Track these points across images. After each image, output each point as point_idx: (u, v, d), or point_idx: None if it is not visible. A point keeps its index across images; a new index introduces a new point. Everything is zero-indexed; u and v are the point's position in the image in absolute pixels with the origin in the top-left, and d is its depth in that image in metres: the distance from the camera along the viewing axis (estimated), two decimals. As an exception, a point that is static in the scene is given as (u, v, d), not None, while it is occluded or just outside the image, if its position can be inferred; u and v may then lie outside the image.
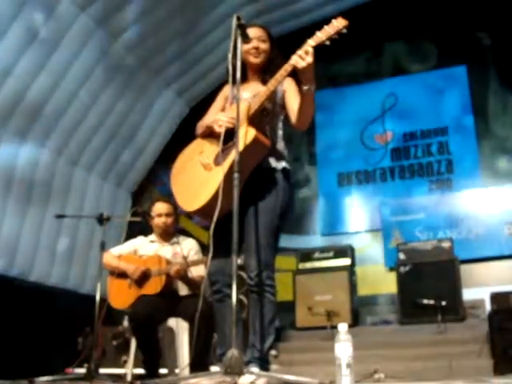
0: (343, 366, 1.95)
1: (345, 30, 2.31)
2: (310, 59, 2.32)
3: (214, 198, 2.37)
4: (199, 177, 2.57)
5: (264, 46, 2.69)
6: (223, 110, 2.74)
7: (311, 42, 2.34)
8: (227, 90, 2.78)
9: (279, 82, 2.45)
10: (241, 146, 2.39)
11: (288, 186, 2.64)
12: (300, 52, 2.33)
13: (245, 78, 2.57)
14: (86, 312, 4.21)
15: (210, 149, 2.61)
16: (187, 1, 6.10)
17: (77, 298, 6.23)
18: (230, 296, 2.32)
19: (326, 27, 2.34)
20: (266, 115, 2.59)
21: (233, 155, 2.36)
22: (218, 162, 2.51)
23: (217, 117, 2.58)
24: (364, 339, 4.99)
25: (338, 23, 2.32)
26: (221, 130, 2.48)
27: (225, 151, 2.47)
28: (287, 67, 2.39)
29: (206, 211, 2.44)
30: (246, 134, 2.44)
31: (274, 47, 2.75)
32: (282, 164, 2.63)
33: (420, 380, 3.73)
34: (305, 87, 2.40)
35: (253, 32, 2.60)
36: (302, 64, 2.32)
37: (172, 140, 7.43)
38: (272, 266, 2.54)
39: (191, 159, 2.67)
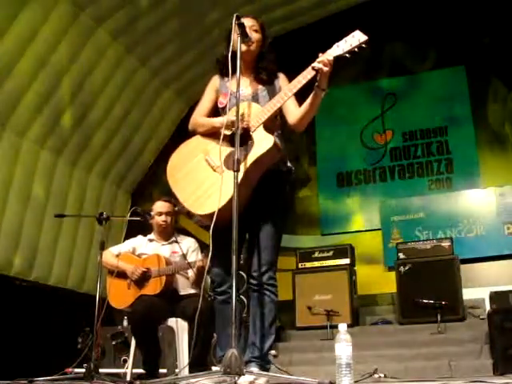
0: (343, 365, 1.95)
1: (364, 45, 2.34)
2: (327, 69, 2.36)
3: (230, 202, 2.31)
4: (208, 178, 2.50)
5: (256, 35, 2.65)
6: (216, 103, 2.71)
7: (333, 54, 2.37)
8: (216, 82, 2.76)
9: (298, 88, 2.43)
10: (260, 151, 2.40)
11: (291, 187, 2.65)
12: (323, 58, 2.36)
13: (234, 71, 2.48)
14: (85, 311, 4.20)
15: (217, 149, 2.50)
16: (186, 1, 6.09)
17: (76, 297, 6.23)
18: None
19: (346, 40, 2.37)
20: (275, 119, 2.58)
21: (248, 159, 2.37)
22: (229, 164, 2.44)
23: (231, 119, 2.46)
24: (364, 339, 5.00)
25: (359, 38, 2.34)
26: (229, 132, 2.45)
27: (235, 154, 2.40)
28: (306, 75, 2.40)
29: (218, 216, 2.34)
30: (265, 140, 2.42)
31: (267, 42, 2.72)
32: (287, 165, 2.63)
33: (420, 380, 3.73)
34: (321, 92, 2.42)
35: (245, 21, 2.56)
36: (326, 69, 2.35)
37: (171, 140, 7.44)
38: (274, 266, 2.55)
39: (193, 157, 2.61)
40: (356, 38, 2.35)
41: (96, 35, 5.87)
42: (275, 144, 2.43)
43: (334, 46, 2.39)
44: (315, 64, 2.37)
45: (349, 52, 2.36)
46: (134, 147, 7.11)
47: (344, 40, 2.38)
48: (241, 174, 2.35)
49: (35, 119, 5.63)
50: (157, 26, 6.21)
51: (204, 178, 2.52)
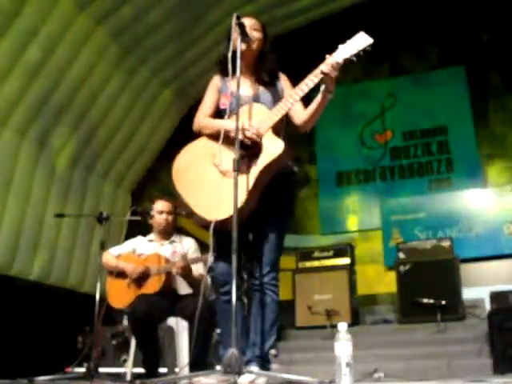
0: (343, 365, 1.95)
1: (369, 48, 2.38)
2: (336, 73, 2.38)
3: (243, 207, 2.33)
4: (218, 184, 2.45)
5: (256, 34, 2.64)
6: (218, 103, 2.68)
7: (340, 57, 2.38)
8: (218, 81, 2.74)
9: (305, 92, 2.44)
10: (271, 156, 2.40)
11: (294, 188, 2.67)
12: (332, 62, 2.37)
13: (235, 71, 2.47)
14: (85, 311, 4.21)
15: (225, 153, 2.47)
16: (186, 1, 6.09)
17: (76, 297, 6.23)
18: (237, 297, 2.29)
19: (351, 42, 2.39)
20: (281, 121, 2.57)
21: (259, 165, 2.38)
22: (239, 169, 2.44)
23: (241, 125, 2.41)
24: (364, 338, 4.99)
25: (365, 41, 2.38)
26: (246, 140, 2.42)
27: (245, 158, 2.41)
28: (314, 78, 2.40)
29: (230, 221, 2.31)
30: (275, 145, 2.42)
31: (268, 41, 2.71)
32: (292, 167, 2.63)
33: (419, 379, 3.73)
34: (329, 95, 2.44)
35: (245, 21, 2.56)
36: (334, 74, 2.37)
37: (171, 140, 7.44)
38: (277, 266, 2.57)
39: (201, 161, 2.56)
40: (362, 41, 2.38)
41: (96, 35, 5.87)
42: (285, 148, 2.44)
43: (340, 48, 2.40)
44: (324, 68, 2.37)
45: (355, 55, 2.39)
46: (134, 147, 7.11)
47: (349, 43, 2.39)
48: (252, 180, 2.38)
49: (35, 119, 5.63)
50: (157, 26, 6.21)
51: (214, 184, 2.47)
